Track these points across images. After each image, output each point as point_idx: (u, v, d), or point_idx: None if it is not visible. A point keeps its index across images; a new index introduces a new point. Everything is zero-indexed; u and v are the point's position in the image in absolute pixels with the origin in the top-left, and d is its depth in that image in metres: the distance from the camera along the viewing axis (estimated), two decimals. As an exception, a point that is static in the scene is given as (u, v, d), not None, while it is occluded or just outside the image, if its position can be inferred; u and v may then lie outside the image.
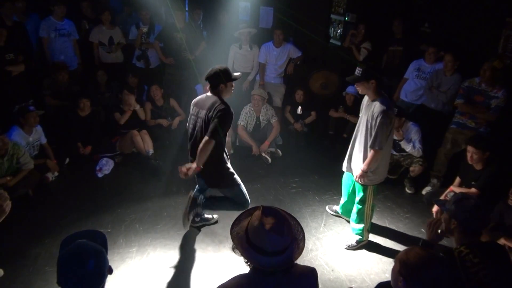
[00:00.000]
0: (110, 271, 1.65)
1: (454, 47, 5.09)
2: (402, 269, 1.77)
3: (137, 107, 5.38)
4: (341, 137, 5.84)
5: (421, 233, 4.00)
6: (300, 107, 6.01)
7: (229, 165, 3.41)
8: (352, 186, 3.79)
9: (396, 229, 4.07)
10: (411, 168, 4.72)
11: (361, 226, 3.66)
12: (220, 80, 3.16)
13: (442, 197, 4.12)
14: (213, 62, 6.04)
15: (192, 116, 3.31)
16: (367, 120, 3.35)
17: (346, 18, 6.98)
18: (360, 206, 3.61)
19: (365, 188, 3.52)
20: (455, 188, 4.08)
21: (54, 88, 5.36)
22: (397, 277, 1.80)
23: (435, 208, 4.10)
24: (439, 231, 2.28)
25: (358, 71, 3.29)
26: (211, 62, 6.09)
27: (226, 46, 6.17)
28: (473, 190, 3.88)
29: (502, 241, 3.16)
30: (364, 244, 3.75)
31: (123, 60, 6.32)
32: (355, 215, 3.67)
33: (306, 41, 6.36)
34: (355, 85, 3.42)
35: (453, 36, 5.46)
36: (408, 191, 4.84)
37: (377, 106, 3.25)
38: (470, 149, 3.85)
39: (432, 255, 1.81)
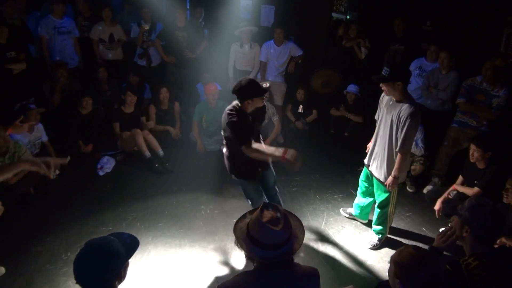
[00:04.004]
0: (119, 278, 1.66)
1: (455, 45, 5.08)
2: (397, 271, 1.77)
3: (152, 125, 5.40)
4: (342, 136, 5.84)
5: (423, 232, 4.00)
6: (301, 106, 6.01)
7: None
8: (372, 188, 3.74)
9: (397, 228, 4.05)
10: (412, 167, 4.71)
11: (382, 227, 3.68)
12: (247, 95, 3.03)
13: (444, 195, 4.12)
14: (214, 61, 6.09)
15: None
16: (391, 121, 3.28)
17: (348, 17, 6.98)
18: (383, 210, 3.60)
19: (389, 192, 3.50)
20: (458, 187, 4.08)
21: (54, 86, 5.36)
22: (393, 280, 1.80)
23: (437, 206, 4.10)
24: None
25: (385, 70, 3.19)
26: (212, 61, 6.11)
27: (227, 45, 6.16)
28: (475, 189, 3.88)
29: (502, 240, 3.16)
30: (384, 240, 3.77)
31: (124, 58, 6.33)
32: (377, 219, 3.70)
33: (307, 39, 6.35)
34: (380, 85, 3.28)
35: (455, 34, 5.45)
36: (409, 189, 4.83)
37: (405, 108, 3.17)
38: (472, 147, 3.87)
39: (425, 254, 1.81)
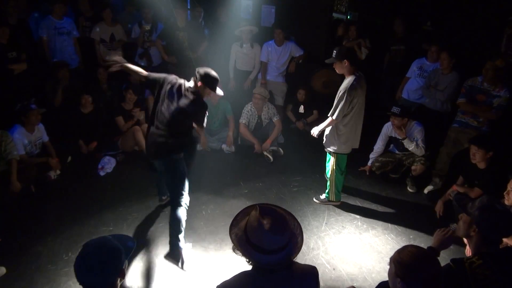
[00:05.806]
0: (122, 274, 1.66)
1: (456, 45, 5.08)
2: (398, 271, 1.74)
3: (141, 117, 5.39)
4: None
5: (423, 232, 3.99)
6: (302, 106, 6.01)
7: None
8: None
9: (397, 228, 4.06)
10: (413, 167, 4.71)
11: (328, 192, 4.32)
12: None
13: (445, 196, 4.12)
14: (215, 61, 6.09)
15: None
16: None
17: (348, 17, 6.98)
18: (328, 172, 4.27)
19: (331, 156, 4.13)
20: (458, 187, 4.07)
21: (56, 86, 5.37)
22: (394, 280, 1.78)
23: (438, 207, 4.11)
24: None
25: (334, 52, 3.68)
26: (212, 61, 6.11)
27: (227, 45, 6.17)
28: (476, 190, 3.87)
29: (505, 240, 3.15)
30: (331, 204, 4.35)
31: (124, 58, 6.32)
32: (327, 187, 4.33)
33: (308, 39, 6.35)
34: (333, 66, 3.76)
35: (456, 34, 5.45)
36: (409, 190, 4.83)
37: (344, 82, 3.70)
38: (473, 148, 3.85)
39: (425, 252, 1.80)
